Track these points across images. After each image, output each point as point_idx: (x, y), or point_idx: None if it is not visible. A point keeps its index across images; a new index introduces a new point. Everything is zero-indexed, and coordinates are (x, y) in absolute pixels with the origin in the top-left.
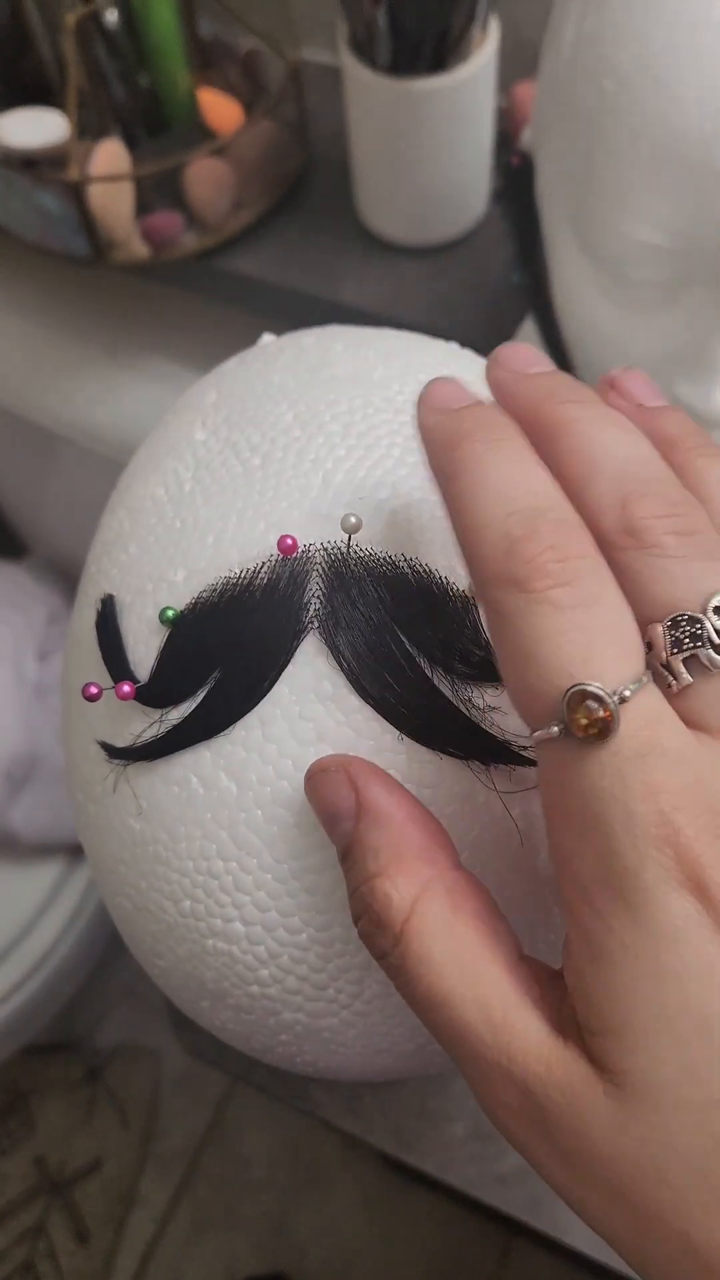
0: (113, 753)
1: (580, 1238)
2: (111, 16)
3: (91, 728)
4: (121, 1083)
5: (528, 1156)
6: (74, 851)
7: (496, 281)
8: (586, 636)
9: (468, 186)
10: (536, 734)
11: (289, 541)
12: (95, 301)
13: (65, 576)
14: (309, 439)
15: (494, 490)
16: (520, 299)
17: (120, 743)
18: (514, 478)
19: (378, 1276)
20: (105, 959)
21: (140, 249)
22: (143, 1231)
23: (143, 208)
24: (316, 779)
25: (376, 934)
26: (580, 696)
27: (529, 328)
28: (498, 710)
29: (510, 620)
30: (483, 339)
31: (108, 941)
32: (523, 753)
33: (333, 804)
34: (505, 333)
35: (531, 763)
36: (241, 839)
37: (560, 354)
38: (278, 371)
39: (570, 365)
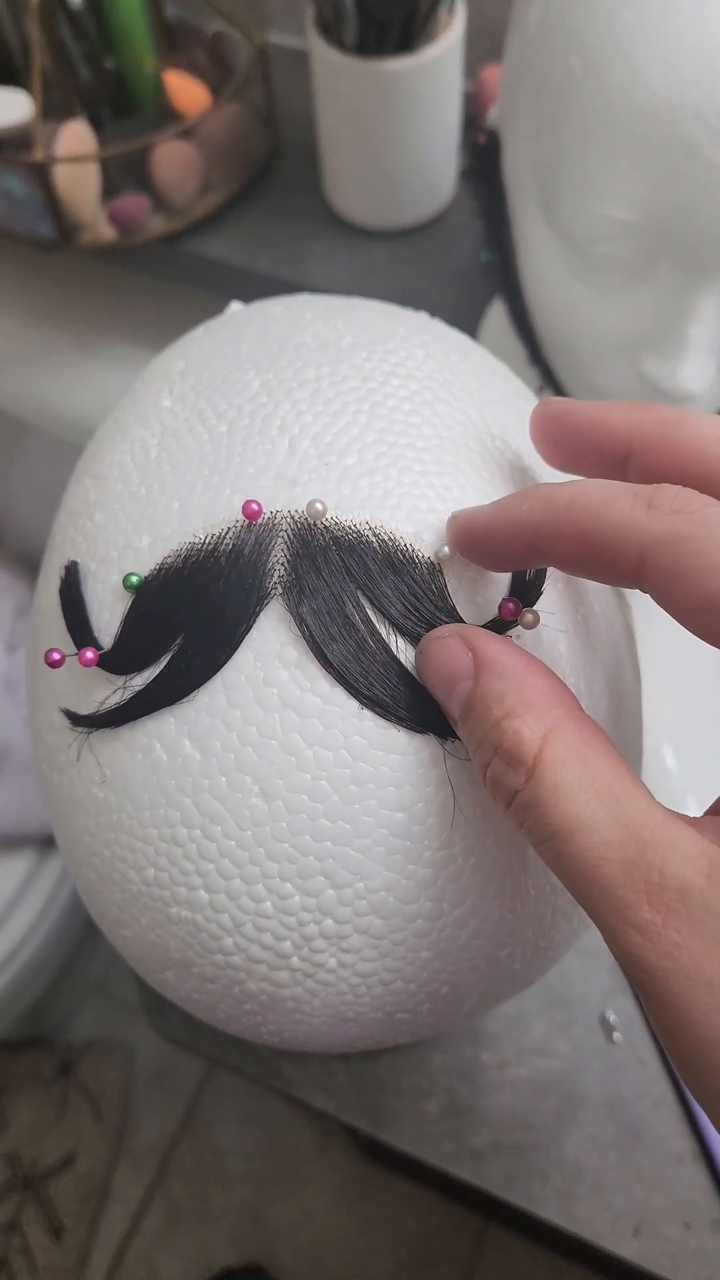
0: (76, 720)
1: (553, 1211)
2: None
3: (55, 696)
4: (94, 1078)
5: (658, 985)
6: (44, 844)
7: (465, 264)
8: None
9: (435, 169)
10: None
11: (254, 507)
12: (61, 286)
13: (33, 568)
14: (275, 406)
15: None
16: (489, 281)
17: (84, 710)
18: None
19: (353, 1265)
20: (77, 953)
21: (107, 232)
22: (117, 1226)
23: (109, 190)
24: (431, 647)
25: (507, 774)
26: None
27: (498, 308)
28: None
29: None
30: (451, 321)
31: (79, 935)
32: None
33: (449, 667)
34: (474, 314)
35: None
36: (205, 806)
37: (528, 332)
38: (246, 340)
39: (538, 344)
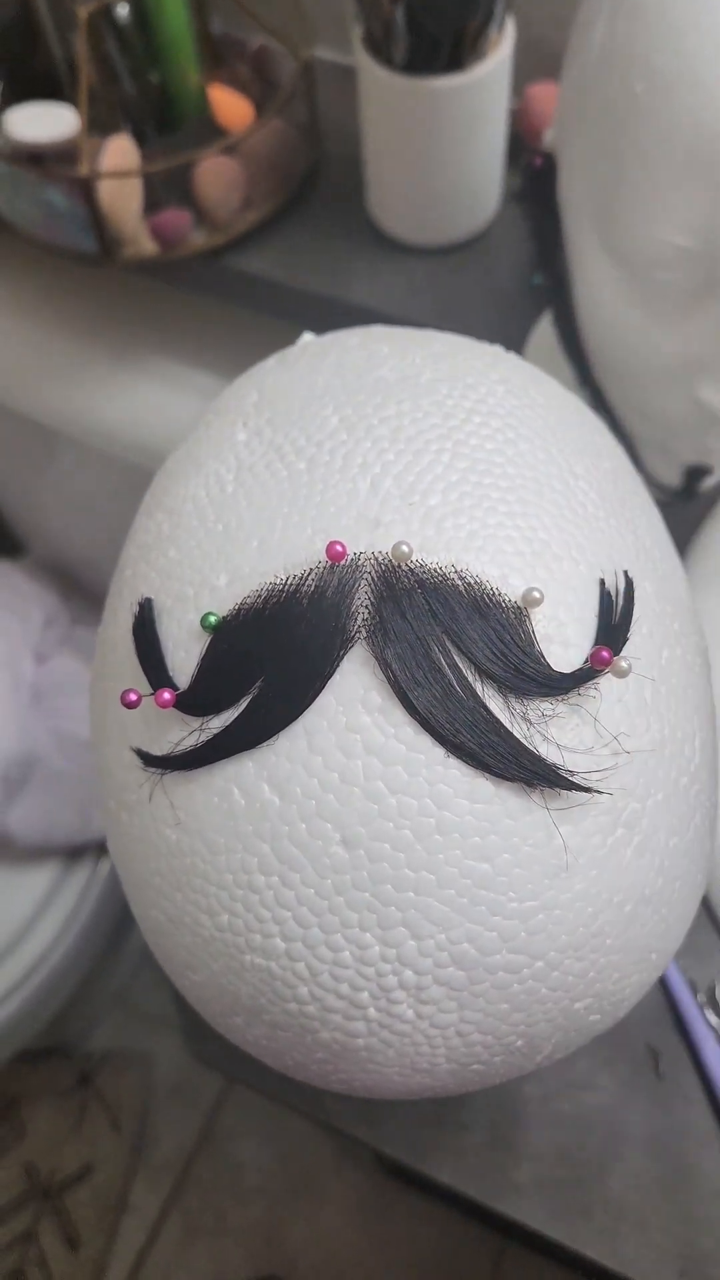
0: (149, 761)
1: (596, 1249)
2: (123, 11)
3: (126, 734)
4: (113, 1089)
5: None
6: (70, 855)
7: (508, 282)
8: None
9: (480, 187)
10: None
11: (338, 548)
12: (102, 300)
13: (62, 577)
14: (356, 443)
15: None
16: (532, 301)
17: (157, 751)
18: None
19: None
20: (98, 965)
21: (148, 246)
22: (134, 1239)
23: (151, 205)
24: None
25: None
26: None
27: (544, 329)
28: (554, 718)
29: None
30: (494, 340)
31: (101, 947)
32: (571, 777)
33: None
34: (519, 334)
35: (578, 787)
36: (284, 853)
37: (580, 358)
38: (322, 373)
39: (590, 368)
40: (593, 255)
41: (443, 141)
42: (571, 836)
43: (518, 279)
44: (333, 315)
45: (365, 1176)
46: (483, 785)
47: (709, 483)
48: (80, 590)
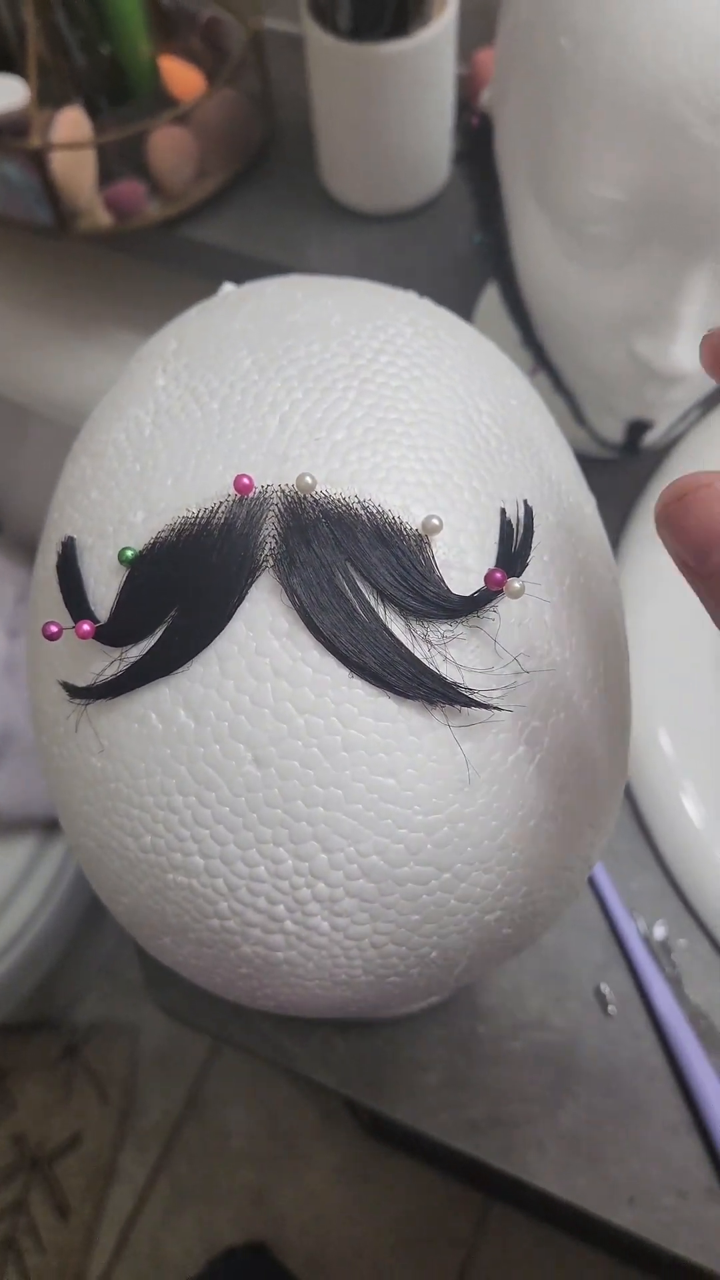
0: (74, 692)
1: (549, 1181)
2: None
3: (53, 669)
4: (100, 1059)
5: None
6: (48, 827)
7: (460, 247)
8: None
9: (430, 153)
10: None
11: (245, 481)
12: (59, 272)
13: (34, 554)
14: (266, 383)
15: None
16: (484, 263)
17: (81, 682)
18: None
19: (357, 1243)
20: (81, 935)
21: (104, 218)
22: (123, 1206)
23: (105, 177)
24: (688, 501)
25: None
26: None
27: (493, 291)
28: (453, 640)
29: None
30: (447, 303)
31: (84, 918)
32: (470, 695)
33: (711, 528)
34: (470, 297)
35: (477, 704)
36: (200, 774)
37: (523, 316)
38: (238, 319)
39: (531, 325)
40: (529, 212)
41: (390, 108)
42: (473, 753)
43: (468, 243)
44: None
45: (349, 1139)
46: (386, 704)
47: (651, 437)
48: None
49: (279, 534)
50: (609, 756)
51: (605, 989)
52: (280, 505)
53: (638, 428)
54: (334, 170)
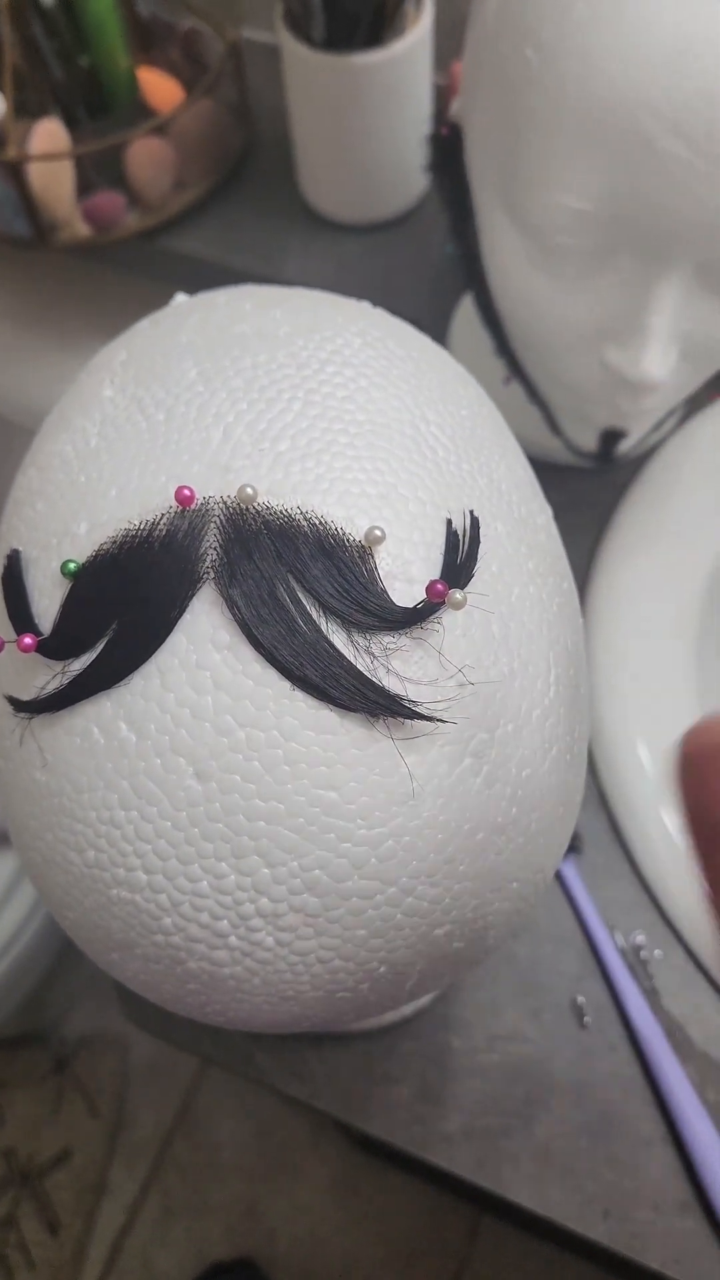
0: (18, 706)
1: (524, 1195)
2: None
3: (1, 684)
4: (89, 1073)
5: None
6: None
7: (438, 257)
8: None
9: (406, 163)
10: None
11: (186, 493)
12: (38, 283)
13: None
14: (211, 394)
15: None
16: (456, 267)
17: (25, 696)
18: None
19: (347, 1257)
20: (70, 949)
21: (82, 229)
22: (113, 1220)
23: (84, 188)
24: None
25: None
26: None
27: (469, 302)
28: (396, 652)
29: None
30: (425, 314)
31: None
32: (413, 707)
33: None
34: (448, 307)
35: (421, 716)
36: (141, 788)
37: (495, 323)
38: (186, 331)
39: (504, 334)
40: (499, 222)
41: (366, 118)
42: (418, 765)
43: (447, 253)
44: None
45: (340, 1152)
46: (328, 717)
47: (625, 446)
48: None
49: (220, 546)
50: (565, 766)
51: (581, 1000)
52: (221, 517)
53: (612, 436)
54: (312, 181)
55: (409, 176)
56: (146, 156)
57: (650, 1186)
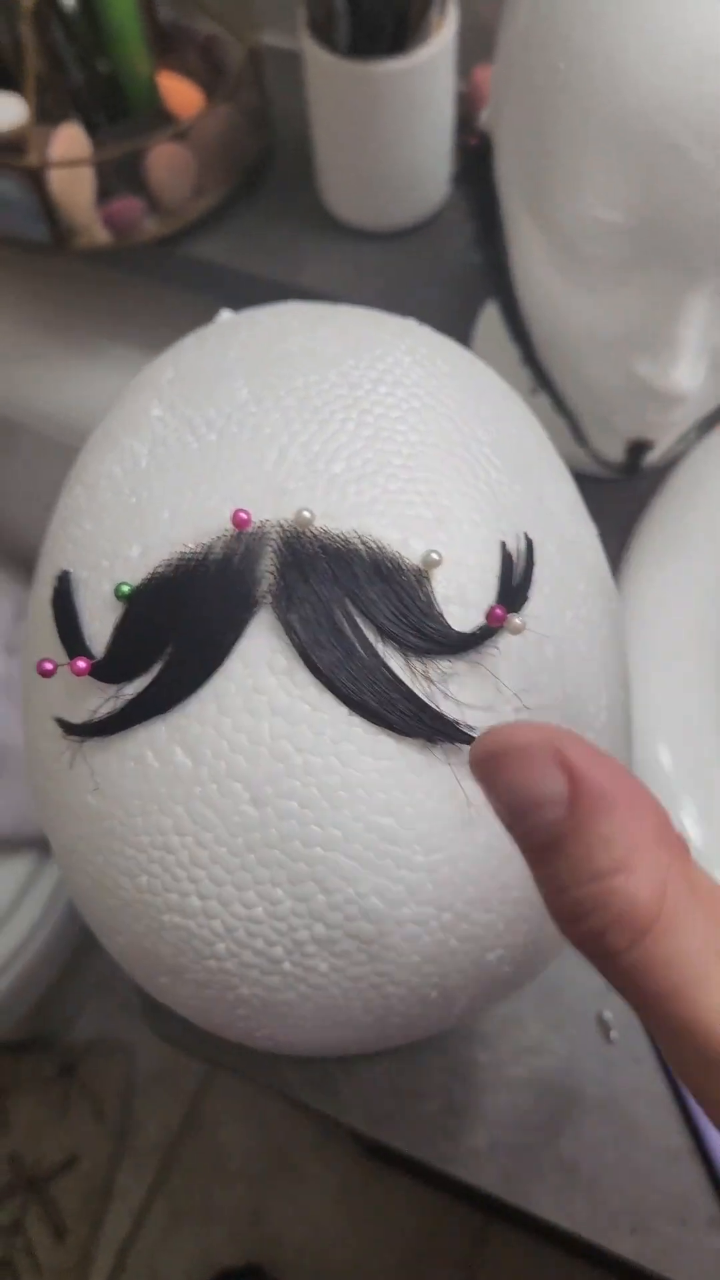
0: (69, 729)
1: (550, 1209)
2: (69, 0)
3: (49, 704)
4: (96, 1078)
5: None
6: (45, 846)
7: (459, 265)
8: None
9: (428, 170)
10: None
11: (243, 516)
12: (56, 288)
13: (30, 570)
14: (265, 414)
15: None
16: (483, 282)
17: (76, 719)
18: None
19: (355, 1263)
20: (78, 954)
21: (101, 235)
22: (120, 1226)
23: (103, 194)
24: (509, 758)
25: (612, 934)
26: None
27: (492, 310)
28: (454, 677)
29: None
30: (445, 323)
31: (81, 936)
32: (471, 732)
33: (535, 790)
34: (469, 315)
35: None
36: (196, 814)
37: (523, 336)
38: (234, 348)
39: (531, 344)
40: (527, 231)
41: (389, 125)
42: (474, 791)
43: (468, 262)
44: (285, 300)
45: (346, 1158)
46: (385, 742)
47: (652, 457)
48: None
49: (276, 569)
50: None
51: (607, 1015)
52: (278, 540)
53: (638, 448)
54: (332, 187)
55: (431, 183)
56: (166, 162)
57: (677, 1201)
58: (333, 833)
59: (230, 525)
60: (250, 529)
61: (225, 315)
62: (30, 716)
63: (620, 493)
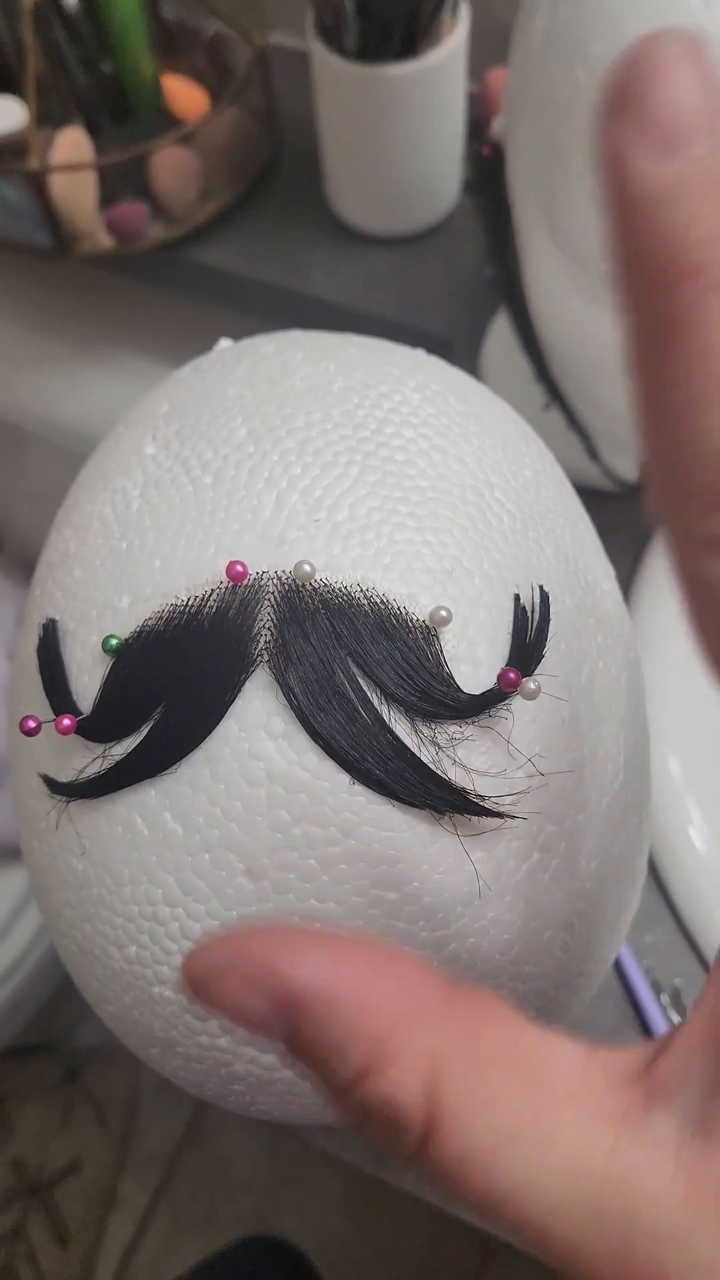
0: (54, 788)
1: None
2: (71, 0)
3: (34, 760)
4: (100, 1084)
5: None
6: None
7: (469, 271)
8: None
9: (439, 174)
10: None
11: (239, 568)
12: (59, 294)
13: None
14: (263, 456)
15: None
16: (494, 290)
17: (62, 777)
18: None
19: (360, 1275)
20: None
21: (105, 240)
22: (123, 1233)
23: (107, 198)
24: (212, 984)
25: (392, 1141)
26: None
27: (503, 323)
28: (462, 741)
29: (714, 595)
30: (455, 329)
31: None
32: (482, 803)
33: (250, 1013)
34: (479, 324)
35: (490, 813)
36: (189, 885)
37: (535, 351)
38: (234, 383)
39: (544, 360)
40: (541, 245)
41: (399, 129)
42: (484, 862)
43: (479, 269)
44: (293, 307)
45: (352, 1169)
46: (390, 812)
47: None
48: None
49: (274, 625)
50: (630, 852)
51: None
52: (276, 594)
53: None
54: (340, 191)
55: (441, 188)
56: (172, 166)
57: None
58: (332, 908)
59: (225, 577)
60: (246, 581)
61: (224, 344)
62: (17, 768)
63: (633, 509)
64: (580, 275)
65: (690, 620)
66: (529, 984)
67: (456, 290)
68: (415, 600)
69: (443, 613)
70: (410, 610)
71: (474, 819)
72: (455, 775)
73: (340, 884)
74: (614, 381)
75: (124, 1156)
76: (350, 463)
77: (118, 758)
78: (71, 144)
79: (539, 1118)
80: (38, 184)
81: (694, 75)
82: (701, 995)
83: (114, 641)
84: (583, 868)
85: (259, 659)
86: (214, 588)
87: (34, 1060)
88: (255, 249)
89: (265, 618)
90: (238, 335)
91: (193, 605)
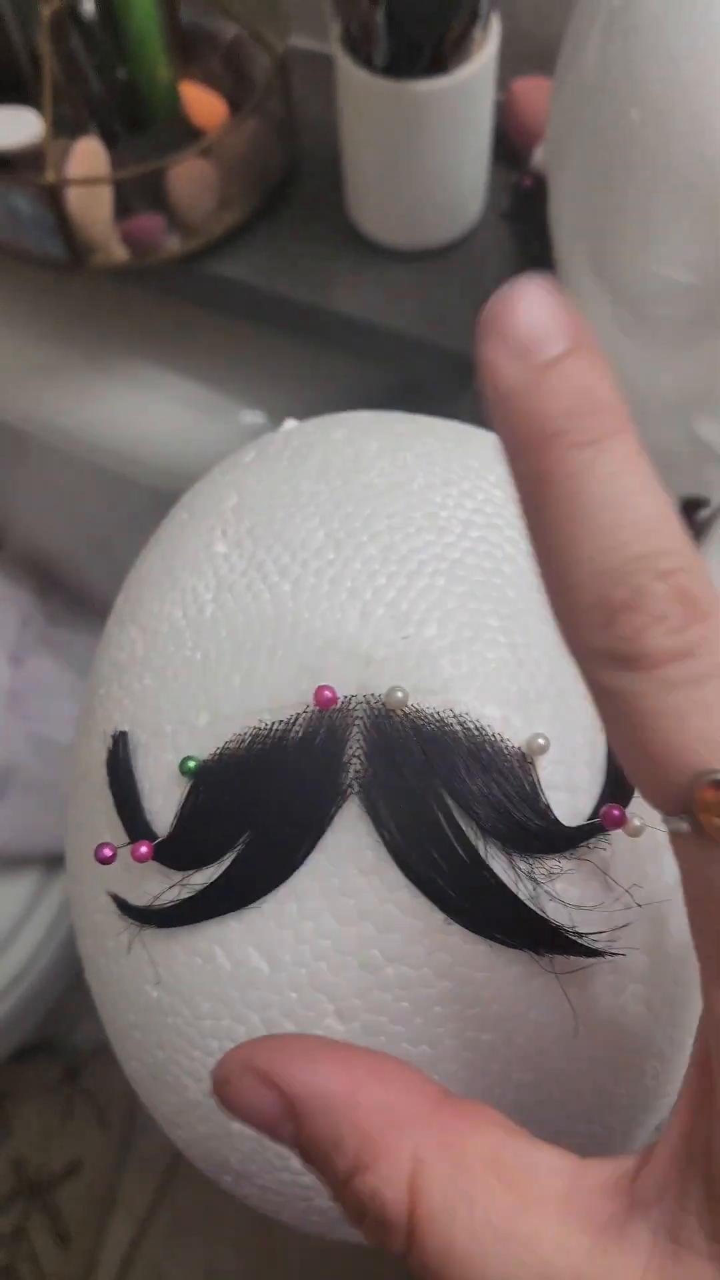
0: (126, 910)
1: None
2: (88, 7)
3: (103, 876)
4: (100, 1083)
5: None
6: (51, 862)
7: (493, 287)
8: (712, 718)
9: (465, 189)
10: (669, 827)
11: (328, 694)
12: (74, 306)
13: (38, 574)
14: (344, 563)
15: (590, 529)
16: None
17: (136, 901)
18: (616, 505)
19: (359, 1274)
20: (83, 965)
21: (120, 252)
22: (124, 1233)
23: (123, 210)
24: (224, 1093)
25: (384, 1236)
26: (711, 789)
27: None
28: (560, 875)
29: (617, 700)
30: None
31: None
32: (579, 940)
33: (258, 1114)
34: None
35: (590, 951)
36: (274, 1024)
37: None
38: (307, 477)
39: None
40: (586, 284)
41: (426, 145)
42: (579, 998)
43: (503, 284)
44: (312, 321)
45: None
46: (486, 953)
47: (705, 514)
48: (57, 588)
49: (364, 753)
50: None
51: None
52: (366, 720)
53: (693, 504)
54: (363, 205)
55: (466, 202)
56: (189, 178)
57: None
58: (425, 1051)
59: (312, 701)
60: (335, 707)
61: (290, 424)
62: (80, 880)
63: None
64: (627, 318)
65: (603, 724)
66: (620, 1114)
67: (478, 305)
68: (509, 724)
69: (540, 740)
70: (505, 736)
71: (571, 958)
72: (552, 911)
73: (434, 1027)
74: (659, 423)
75: (125, 1156)
76: (436, 572)
77: (198, 886)
78: (88, 155)
79: (520, 1217)
80: (53, 196)
81: (544, 303)
82: (675, 1108)
83: (192, 764)
84: (673, 994)
85: (350, 789)
86: (300, 711)
87: (33, 1060)
88: (274, 262)
89: (355, 745)
90: (257, 349)
91: (277, 730)
